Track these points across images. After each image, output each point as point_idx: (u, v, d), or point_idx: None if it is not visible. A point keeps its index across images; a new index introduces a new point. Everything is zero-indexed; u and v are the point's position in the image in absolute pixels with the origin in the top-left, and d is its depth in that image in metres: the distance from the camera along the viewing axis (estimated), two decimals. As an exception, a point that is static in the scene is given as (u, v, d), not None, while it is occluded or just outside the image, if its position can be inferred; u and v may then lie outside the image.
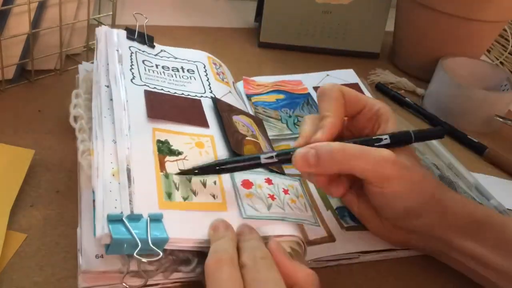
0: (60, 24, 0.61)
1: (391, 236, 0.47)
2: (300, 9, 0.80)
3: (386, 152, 0.42)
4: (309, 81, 0.69)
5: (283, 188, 0.45)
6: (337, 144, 0.42)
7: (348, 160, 0.41)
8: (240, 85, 0.65)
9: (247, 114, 0.54)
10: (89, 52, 0.69)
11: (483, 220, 0.44)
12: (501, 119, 0.68)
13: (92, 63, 0.53)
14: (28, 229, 0.45)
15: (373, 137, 0.45)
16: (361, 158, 0.41)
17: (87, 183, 0.43)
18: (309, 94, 0.66)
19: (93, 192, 0.39)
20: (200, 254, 0.40)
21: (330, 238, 0.47)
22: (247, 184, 0.44)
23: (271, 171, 0.47)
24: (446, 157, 0.61)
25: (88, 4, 0.64)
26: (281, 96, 0.65)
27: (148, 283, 0.40)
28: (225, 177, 0.44)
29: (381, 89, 0.76)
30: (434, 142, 0.64)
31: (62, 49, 0.64)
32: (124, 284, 0.37)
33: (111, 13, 0.68)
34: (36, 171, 0.51)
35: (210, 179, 0.43)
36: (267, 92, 0.65)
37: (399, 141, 0.45)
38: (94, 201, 0.38)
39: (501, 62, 0.92)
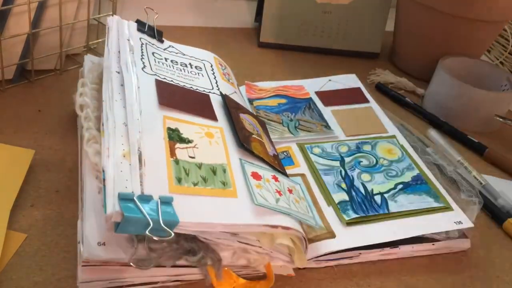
0: (60, 24, 0.61)
1: None
2: (300, 9, 0.80)
3: None
4: (311, 86, 0.69)
5: (288, 188, 0.46)
6: None
7: None
8: (242, 89, 0.66)
9: (252, 114, 0.55)
10: (89, 52, 0.69)
11: None
12: (501, 119, 0.68)
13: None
14: (28, 229, 0.45)
15: None
16: None
17: (91, 171, 0.43)
18: (310, 98, 0.66)
19: (103, 171, 0.39)
20: (206, 246, 0.40)
21: (330, 234, 0.47)
22: (256, 176, 0.44)
23: (275, 169, 0.47)
24: (453, 156, 0.61)
25: (88, 4, 0.64)
26: (283, 101, 0.65)
27: (148, 281, 0.41)
28: (235, 166, 0.45)
29: (381, 89, 0.76)
30: (442, 142, 0.64)
31: (62, 49, 0.64)
32: (131, 264, 0.37)
33: (111, 13, 0.68)
34: (36, 171, 0.51)
35: (220, 167, 0.44)
36: (269, 97, 0.65)
37: None
38: (104, 180, 0.38)
39: (501, 62, 0.92)
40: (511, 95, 0.70)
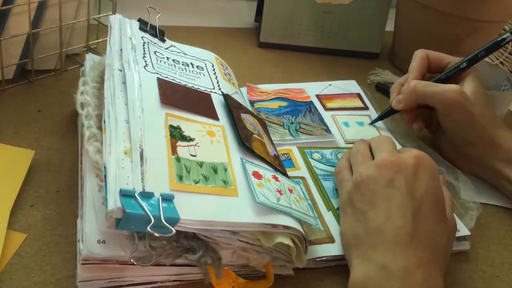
0: (60, 24, 0.61)
1: (458, 163, 0.60)
2: (300, 9, 0.80)
3: (453, 85, 0.55)
4: (312, 90, 0.69)
5: (288, 188, 0.46)
6: (416, 81, 0.57)
7: (423, 91, 0.56)
8: (243, 91, 0.66)
9: (253, 114, 0.55)
10: (89, 52, 0.69)
11: None
12: (501, 119, 0.68)
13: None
14: (28, 229, 0.45)
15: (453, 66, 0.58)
16: (431, 86, 0.56)
17: (91, 169, 0.43)
18: (311, 102, 0.66)
19: (105, 168, 0.39)
20: (205, 244, 0.40)
21: (330, 239, 0.47)
22: (257, 175, 0.44)
23: (276, 170, 0.47)
24: (445, 163, 0.61)
25: (88, 4, 0.64)
26: (284, 104, 0.65)
27: (147, 280, 0.41)
28: (236, 165, 0.45)
29: (381, 89, 0.76)
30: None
31: (62, 49, 0.64)
32: (132, 260, 0.37)
33: (111, 13, 0.68)
34: (36, 171, 0.51)
35: (221, 166, 0.44)
36: (270, 99, 0.66)
37: (474, 61, 0.57)
38: (105, 176, 0.38)
39: (501, 62, 0.92)
40: (511, 95, 0.70)
